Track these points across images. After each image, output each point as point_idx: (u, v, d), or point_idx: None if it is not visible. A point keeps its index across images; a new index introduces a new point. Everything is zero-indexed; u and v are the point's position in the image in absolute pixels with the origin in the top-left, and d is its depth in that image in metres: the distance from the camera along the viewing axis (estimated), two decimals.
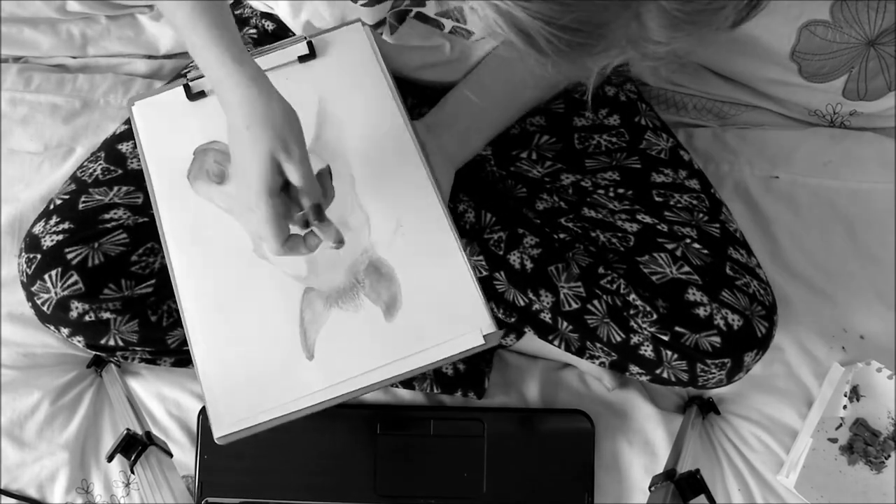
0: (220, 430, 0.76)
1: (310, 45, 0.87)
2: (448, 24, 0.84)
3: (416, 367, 0.77)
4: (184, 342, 0.88)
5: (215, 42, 0.70)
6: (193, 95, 0.86)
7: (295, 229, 0.71)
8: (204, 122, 0.85)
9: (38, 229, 0.85)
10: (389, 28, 0.85)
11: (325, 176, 0.74)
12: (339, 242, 0.71)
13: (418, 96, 0.99)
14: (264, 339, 0.79)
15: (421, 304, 0.79)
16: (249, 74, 0.69)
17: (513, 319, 0.93)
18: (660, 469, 0.95)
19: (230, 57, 0.69)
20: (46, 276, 0.82)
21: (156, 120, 0.86)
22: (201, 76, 0.86)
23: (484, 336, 0.78)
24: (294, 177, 0.68)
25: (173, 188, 0.83)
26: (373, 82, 0.86)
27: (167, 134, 0.85)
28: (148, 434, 0.89)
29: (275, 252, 0.70)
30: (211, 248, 0.81)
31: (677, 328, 0.85)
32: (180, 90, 0.86)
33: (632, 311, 0.87)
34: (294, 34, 0.94)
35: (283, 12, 0.92)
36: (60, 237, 0.83)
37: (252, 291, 0.80)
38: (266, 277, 0.81)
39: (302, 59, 0.87)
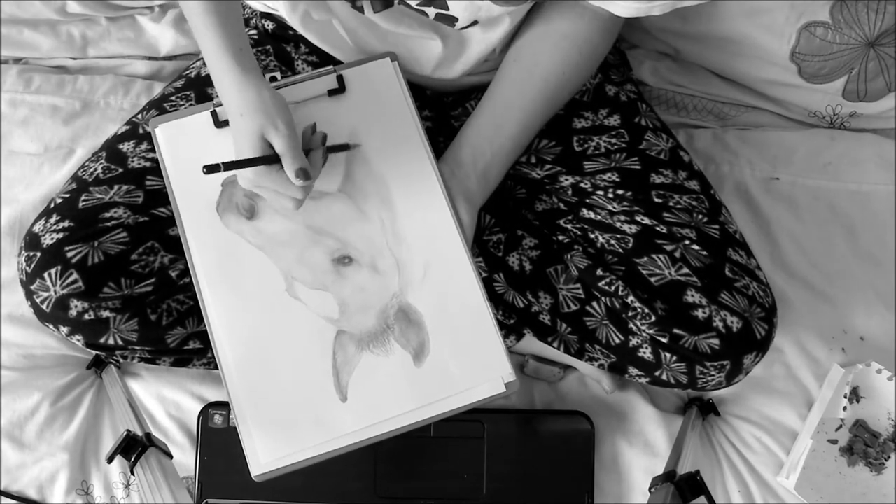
0: (257, 468, 0.79)
1: (339, 79, 0.87)
2: (431, 11, 0.84)
3: (444, 411, 0.80)
4: (183, 341, 0.88)
5: (219, 41, 0.77)
6: (220, 123, 0.86)
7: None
8: (232, 150, 0.83)
9: (38, 227, 0.85)
10: (372, 5, 0.84)
11: (317, 144, 0.80)
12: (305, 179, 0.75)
13: (419, 99, 0.98)
14: (298, 380, 0.81)
15: (448, 351, 0.82)
16: (244, 68, 0.77)
17: (512, 321, 0.93)
18: (660, 470, 0.95)
19: (231, 54, 0.77)
20: (46, 275, 0.82)
21: (181, 145, 0.86)
22: None
23: (505, 384, 0.81)
24: (279, 145, 0.75)
25: (203, 219, 0.83)
26: (401, 123, 0.86)
27: (194, 160, 0.83)
28: (148, 435, 0.89)
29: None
30: (243, 286, 0.82)
31: (676, 330, 0.85)
32: (206, 116, 0.86)
33: (630, 313, 0.87)
34: (295, 32, 0.94)
35: (284, 12, 0.92)
36: (60, 235, 0.83)
37: (286, 333, 0.81)
38: (299, 319, 0.82)
39: (331, 92, 0.86)
